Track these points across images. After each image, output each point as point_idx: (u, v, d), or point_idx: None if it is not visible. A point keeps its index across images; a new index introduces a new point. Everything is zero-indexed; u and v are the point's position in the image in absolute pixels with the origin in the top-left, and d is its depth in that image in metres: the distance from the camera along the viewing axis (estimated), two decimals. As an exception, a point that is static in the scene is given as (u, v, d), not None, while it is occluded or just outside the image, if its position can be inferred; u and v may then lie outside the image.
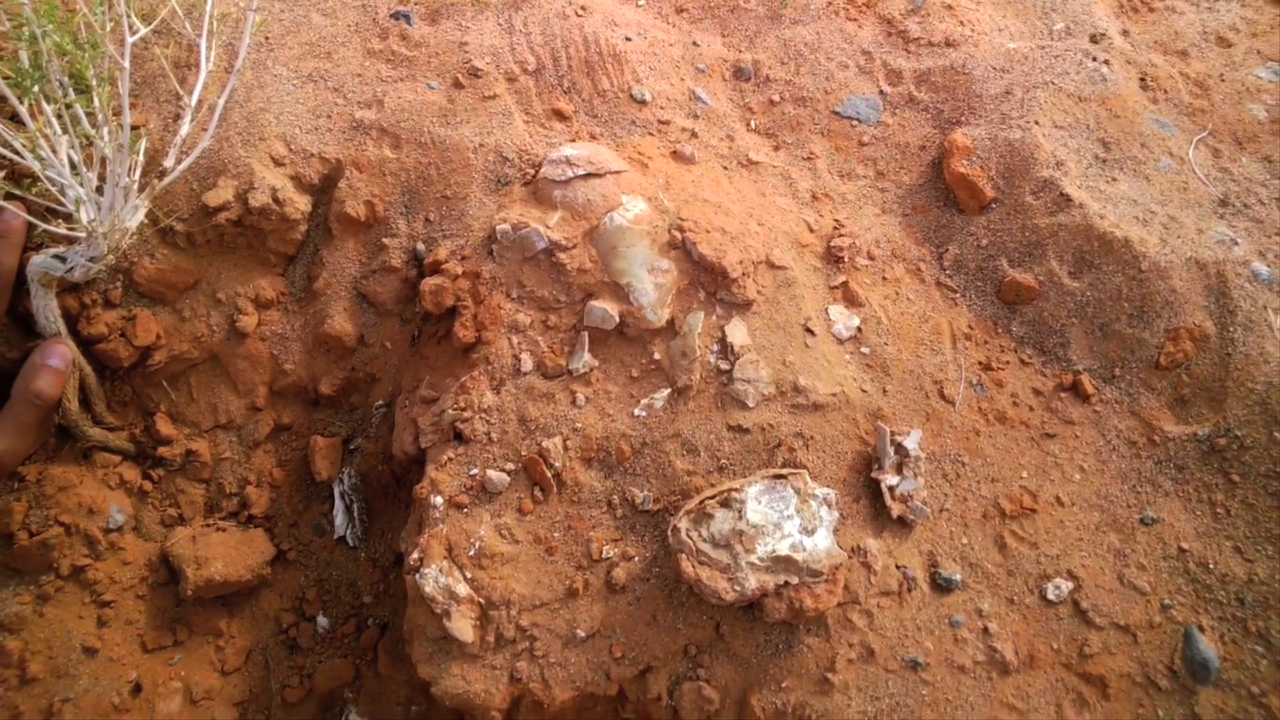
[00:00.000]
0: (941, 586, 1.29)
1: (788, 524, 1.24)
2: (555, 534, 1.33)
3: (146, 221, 1.49)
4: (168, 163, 1.46)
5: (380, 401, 1.59)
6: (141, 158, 1.42)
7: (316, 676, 1.49)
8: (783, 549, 1.22)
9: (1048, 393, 1.43)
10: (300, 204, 1.58)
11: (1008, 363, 1.46)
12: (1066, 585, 1.30)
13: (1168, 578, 1.30)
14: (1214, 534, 1.32)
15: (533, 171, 1.58)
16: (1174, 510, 1.34)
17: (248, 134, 1.58)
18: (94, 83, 1.29)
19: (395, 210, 1.60)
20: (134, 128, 1.50)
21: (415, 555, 1.31)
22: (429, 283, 1.50)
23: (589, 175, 1.52)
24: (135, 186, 1.38)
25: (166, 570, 1.47)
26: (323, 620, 1.52)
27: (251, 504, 1.52)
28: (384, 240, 1.59)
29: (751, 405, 1.37)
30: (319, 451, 1.53)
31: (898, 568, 1.29)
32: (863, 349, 1.45)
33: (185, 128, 1.49)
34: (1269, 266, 1.50)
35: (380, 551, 1.55)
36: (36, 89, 1.27)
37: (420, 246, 1.57)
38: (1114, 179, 1.62)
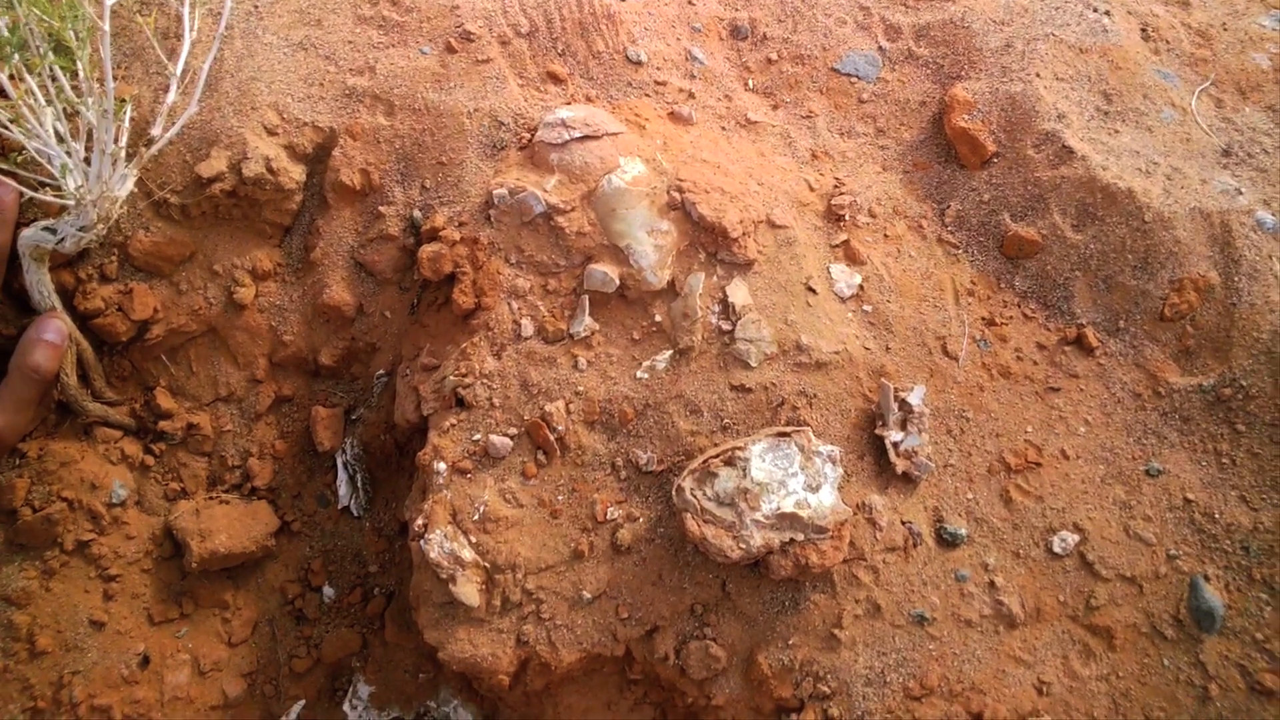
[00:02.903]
0: (947, 541, 1.29)
1: (792, 481, 1.24)
2: (559, 497, 1.33)
3: (139, 193, 1.48)
4: (155, 131, 1.44)
5: (381, 371, 1.58)
6: (128, 124, 1.40)
7: (324, 646, 1.50)
8: (788, 506, 1.22)
9: (1051, 346, 1.42)
10: (295, 173, 1.56)
11: (1011, 317, 1.45)
12: (1072, 538, 1.30)
13: (1173, 528, 1.30)
14: (1219, 484, 1.31)
15: (528, 135, 1.56)
16: (1179, 461, 1.33)
17: (239, 104, 1.55)
18: (75, 47, 1.27)
19: (391, 178, 1.58)
20: (119, 100, 1.48)
21: (420, 521, 1.31)
22: (427, 250, 1.48)
23: (585, 138, 1.50)
24: (123, 154, 1.36)
25: (171, 544, 1.47)
26: (329, 590, 1.52)
27: (254, 476, 1.52)
28: (380, 208, 1.57)
29: (754, 364, 1.36)
30: (321, 422, 1.53)
31: (903, 523, 1.28)
32: (865, 307, 1.44)
33: (171, 96, 1.47)
34: (1273, 215, 1.48)
35: (385, 521, 1.55)
36: (16, 57, 1.25)
37: (417, 214, 1.56)
38: (1116, 131, 1.60)
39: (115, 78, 1.47)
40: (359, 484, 1.54)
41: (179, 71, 1.48)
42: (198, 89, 1.47)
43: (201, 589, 1.47)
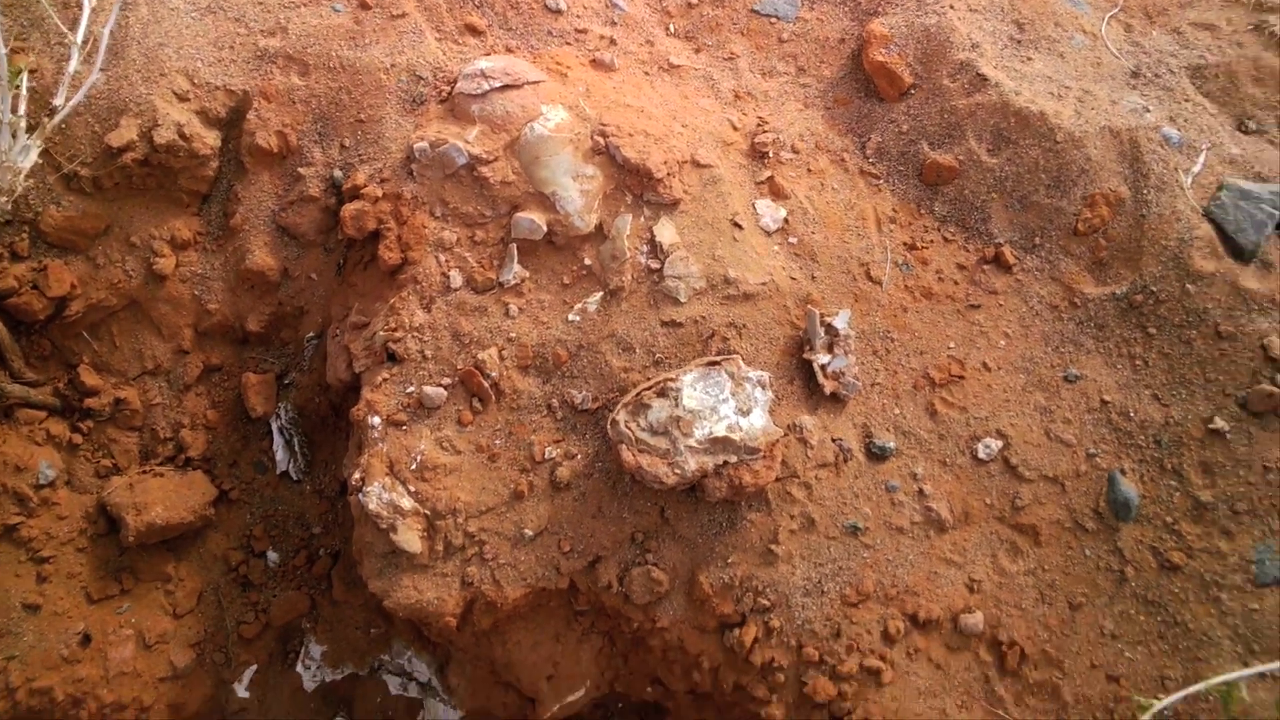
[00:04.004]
0: (876, 455, 1.32)
1: (723, 407, 1.26)
2: (497, 441, 1.33)
3: (47, 167, 1.43)
4: (58, 101, 1.40)
5: (311, 334, 1.56)
6: (25, 93, 1.36)
7: (272, 610, 1.49)
8: (720, 430, 1.24)
9: (971, 266, 1.46)
10: (209, 139, 1.53)
11: (931, 241, 1.48)
12: (996, 444, 1.34)
13: (1092, 429, 1.35)
14: (1134, 385, 1.37)
15: (448, 88, 1.54)
16: (1096, 366, 1.38)
17: (147, 71, 1.51)
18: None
19: (309, 138, 1.55)
20: (14, 69, 1.43)
21: (357, 475, 1.30)
22: (349, 208, 1.47)
23: (506, 87, 1.49)
24: (23, 125, 1.32)
25: (105, 520, 1.44)
26: (273, 555, 1.51)
27: (188, 447, 1.50)
28: (299, 170, 1.55)
29: (684, 300, 1.38)
30: (252, 388, 1.51)
31: (833, 441, 1.31)
32: (790, 239, 1.47)
33: (73, 64, 1.43)
34: (1179, 130, 1.53)
35: (325, 482, 1.54)
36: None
37: (337, 173, 1.54)
38: (1029, 58, 1.64)
39: (12, 48, 1.42)
40: (296, 448, 1.52)
41: (80, 39, 1.44)
42: (99, 55, 1.43)
43: (141, 563, 1.45)
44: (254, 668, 1.47)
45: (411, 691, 1.50)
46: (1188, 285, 1.39)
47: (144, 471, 1.47)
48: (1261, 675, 1.19)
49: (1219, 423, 1.33)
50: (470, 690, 1.39)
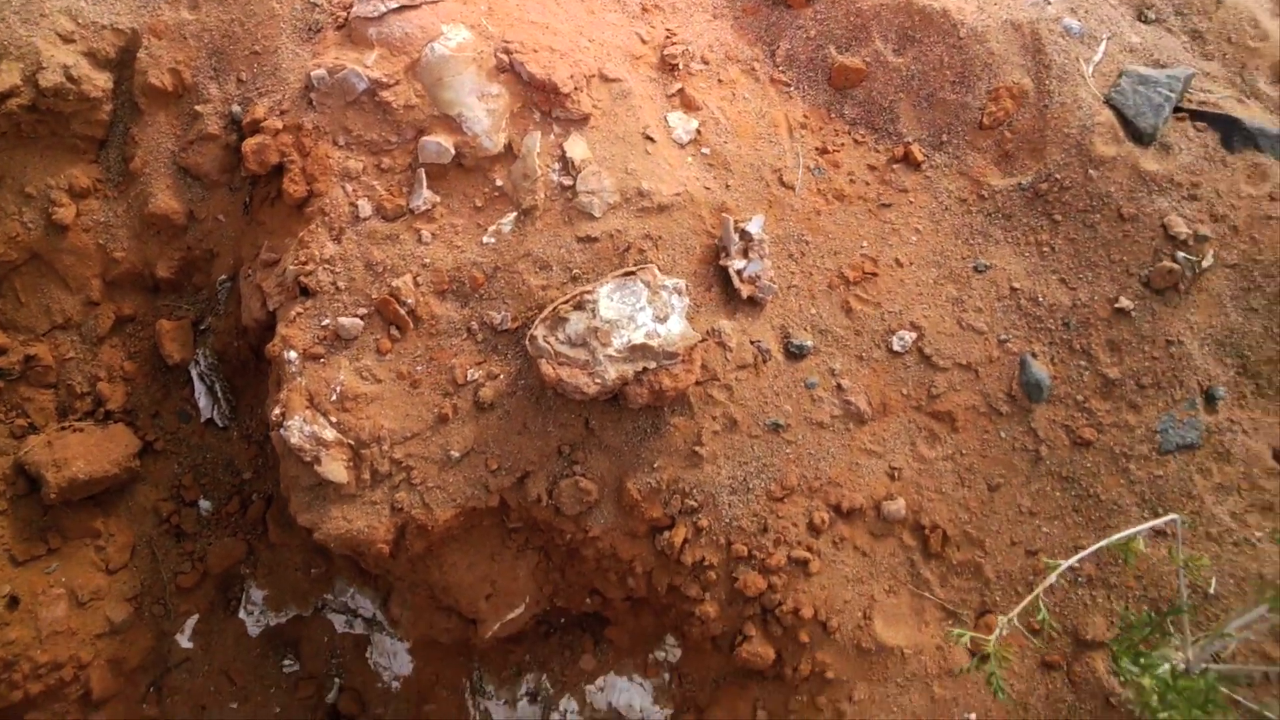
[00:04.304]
0: (794, 354, 1.35)
1: (641, 315, 1.26)
2: (418, 367, 1.32)
3: (-79, 117, 1.37)
4: (-75, 43, 1.33)
5: (224, 276, 1.53)
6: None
7: (208, 559, 1.48)
8: (638, 338, 1.24)
9: (881, 167, 1.47)
10: (99, 81, 1.47)
11: (842, 144, 1.49)
12: (910, 336, 1.37)
13: (1002, 316, 1.39)
14: (1041, 271, 1.40)
15: (344, 14, 1.49)
16: (1005, 255, 1.41)
17: (25, 12, 1.44)
18: None
19: (204, 75, 1.50)
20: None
21: (277, 411, 1.29)
22: (250, 143, 1.42)
23: (404, 8, 1.45)
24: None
25: (25, 481, 1.41)
26: (204, 503, 1.50)
27: (107, 400, 1.46)
28: (197, 108, 1.49)
29: (598, 215, 1.37)
30: (167, 335, 1.47)
31: (752, 343, 1.33)
32: (703, 150, 1.46)
33: (-60, 4, 1.35)
34: (1079, 21, 1.54)
35: (252, 427, 1.52)
36: None
37: (236, 108, 1.49)
38: (933, -42, 1.63)
39: None
40: (219, 394, 1.50)
41: (-56, -20, 1.36)
42: (-34, -5, 1.36)
43: (67, 521, 1.42)
44: (195, 617, 1.47)
45: (358, 628, 1.51)
46: (1090, 171, 1.42)
47: (63, 428, 1.44)
48: (1162, 533, 1.25)
49: (1124, 302, 1.37)
50: (413, 619, 1.40)
